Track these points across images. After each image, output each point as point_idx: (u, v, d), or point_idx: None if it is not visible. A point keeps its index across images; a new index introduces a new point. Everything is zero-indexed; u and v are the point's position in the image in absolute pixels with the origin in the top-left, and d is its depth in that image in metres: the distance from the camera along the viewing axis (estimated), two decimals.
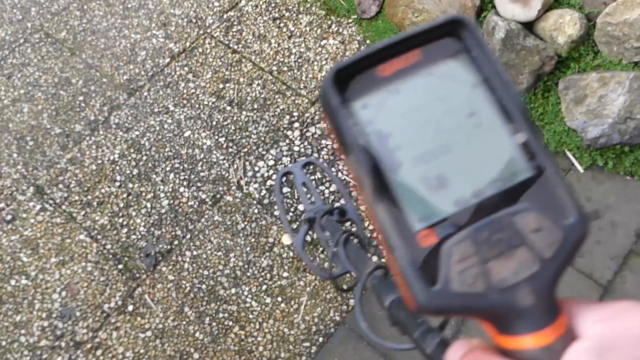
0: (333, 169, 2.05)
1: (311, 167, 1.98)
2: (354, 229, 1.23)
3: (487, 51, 0.35)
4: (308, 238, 1.96)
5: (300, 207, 1.99)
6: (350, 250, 1.06)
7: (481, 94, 0.35)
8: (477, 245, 0.31)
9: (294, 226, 1.97)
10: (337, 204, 1.80)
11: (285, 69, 2.27)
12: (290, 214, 1.99)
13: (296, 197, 2.02)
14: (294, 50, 2.31)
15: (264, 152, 2.10)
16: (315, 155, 2.08)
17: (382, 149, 0.34)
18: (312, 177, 2.08)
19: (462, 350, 0.33)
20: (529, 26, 2.04)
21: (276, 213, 1.99)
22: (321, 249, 1.93)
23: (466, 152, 0.34)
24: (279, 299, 1.86)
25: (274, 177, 2.05)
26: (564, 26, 1.96)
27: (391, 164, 0.33)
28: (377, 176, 0.33)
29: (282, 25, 2.38)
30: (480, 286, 0.31)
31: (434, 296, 0.31)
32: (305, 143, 2.11)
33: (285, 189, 2.04)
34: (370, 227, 1.73)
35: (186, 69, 2.29)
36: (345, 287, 1.22)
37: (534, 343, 0.31)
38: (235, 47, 2.34)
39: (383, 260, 1.83)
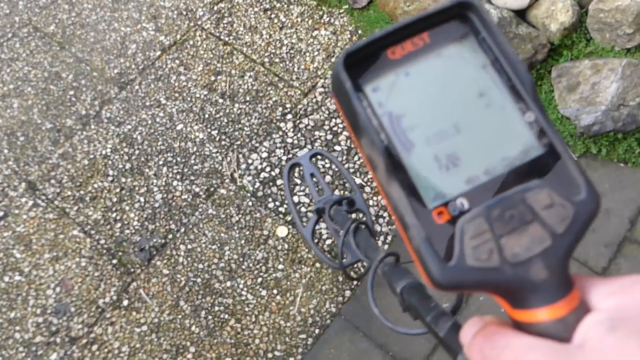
0: (340, 158, 2.04)
1: (319, 157, 1.97)
2: (361, 219, 1.23)
3: (495, 32, 0.36)
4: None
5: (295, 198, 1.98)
6: (360, 239, 1.07)
7: (490, 74, 0.36)
8: (491, 221, 0.32)
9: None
10: (345, 195, 1.80)
11: (277, 60, 2.26)
12: (284, 206, 1.98)
13: (303, 188, 2.01)
14: (285, 42, 2.30)
15: (257, 145, 2.09)
16: (309, 147, 2.07)
17: (394, 130, 0.35)
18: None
19: (476, 326, 0.34)
20: (521, 14, 2.03)
21: (270, 205, 1.98)
22: (327, 239, 1.93)
23: (477, 131, 0.35)
24: (275, 291, 1.86)
25: (268, 169, 2.04)
26: (556, 13, 1.96)
27: (403, 144, 0.34)
28: (389, 157, 0.34)
29: (273, 16, 2.36)
30: (495, 261, 0.32)
31: (450, 271, 0.32)
32: (299, 135, 2.10)
33: (278, 179, 2.03)
34: (380, 217, 1.72)
35: (177, 61, 2.28)
36: (354, 276, 1.23)
37: (548, 316, 0.32)
38: (227, 39, 2.32)
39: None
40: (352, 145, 2.06)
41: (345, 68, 0.35)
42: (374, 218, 1.94)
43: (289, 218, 1.96)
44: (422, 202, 0.34)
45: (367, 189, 1.98)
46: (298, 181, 2.02)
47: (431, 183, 0.34)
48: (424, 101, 0.35)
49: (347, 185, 1.99)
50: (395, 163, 0.34)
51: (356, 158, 2.03)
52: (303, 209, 1.97)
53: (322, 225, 1.97)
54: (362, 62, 0.36)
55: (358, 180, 1.99)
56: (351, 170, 2.01)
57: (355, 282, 1.85)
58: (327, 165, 2.04)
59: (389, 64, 0.36)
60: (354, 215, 1.69)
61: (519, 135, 0.35)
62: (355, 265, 1.90)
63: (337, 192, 1.97)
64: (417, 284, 0.79)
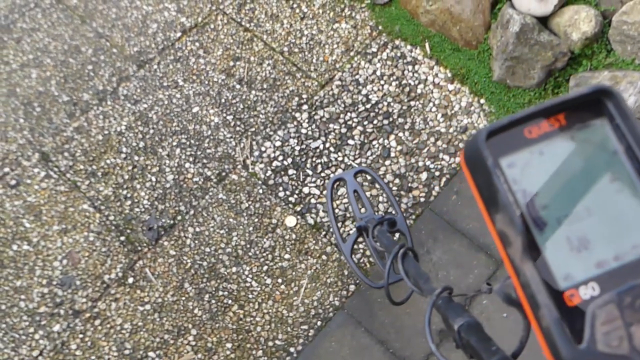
0: (353, 153, 2.05)
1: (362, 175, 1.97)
2: (404, 242, 1.23)
3: (632, 120, 0.36)
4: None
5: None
6: (408, 266, 1.06)
7: (623, 161, 0.36)
8: (622, 308, 0.33)
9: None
10: (386, 215, 1.80)
11: (296, 50, 2.26)
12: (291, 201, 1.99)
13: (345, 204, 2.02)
14: (305, 32, 2.30)
15: (271, 133, 2.10)
16: (323, 138, 2.07)
17: (528, 208, 0.35)
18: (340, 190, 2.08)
19: None
20: (543, 21, 2.03)
21: (280, 194, 1.99)
22: (362, 255, 1.94)
23: (608, 216, 0.35)
24: (279, 280, 1.87)
25: (280, 158, 2.05)
26: (579, 23, 1.96)
27: (536, 223, 0.35)
28: (525, 235, 0.35)
29: (295, 5, 2.36)
30: (624, 349, 0.33)
31: (580, 355, 0.33)
32: (313, 126, 2.10)
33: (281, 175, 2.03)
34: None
35: (197, 44, 2.28)
36: (398, 300, 1.23)
37: None
38: (247, 25, 2.32)
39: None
40: (366, 141, 2.06)
41: (487, 143, 0.36)
42: (381, 215, 1.94)
43: (298, 208, 1.97)
44: (555, 282, 0.34)
45: (378, 185, 1.99)
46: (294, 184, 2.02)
47: (563, 264, 0.35)
48: (556, 181, 0.36)
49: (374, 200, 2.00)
50: (529, 241, 0.35)
51: (369, 154, 2.04)
52: (313, 200, 1.98)
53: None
54: (500, 137, 0.37)
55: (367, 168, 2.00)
56: (363, 165, 2.02)
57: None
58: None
59: (525, 142, 0.37)
60: (399, 236, 1.68)
61: None
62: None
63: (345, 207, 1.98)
64: (476, 324, 0.78)
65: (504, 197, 0.35)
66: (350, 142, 2.07)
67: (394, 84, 2.16)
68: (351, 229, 1.92)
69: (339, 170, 2.01)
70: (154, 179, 2.03)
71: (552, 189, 0.36)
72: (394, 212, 1.78)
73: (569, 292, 0.34)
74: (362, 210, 1.70)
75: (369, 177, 1.99)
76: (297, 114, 2.13)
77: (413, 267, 1.05)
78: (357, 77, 2.19)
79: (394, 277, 1.19)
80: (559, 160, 0.37)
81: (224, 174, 2.03)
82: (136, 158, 2.06)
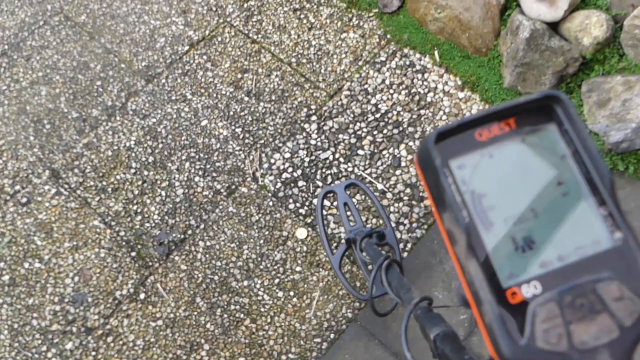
0: (362, 163, 2.03)
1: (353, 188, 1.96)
2: (390, 254, 1.22)
3: (579, 126, 0.38)
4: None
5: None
6: (392, 277, 1.06)
7: (570, 165, 0.38)
8: (562, 307, 0.34)
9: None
10: (376, 228, 1.80)
11: (304, 61, 2.25)
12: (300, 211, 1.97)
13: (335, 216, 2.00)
14: (313, 43, 2.29)
15: (280, 145, 2.09)
16: (332, 149, 2.06)
17: (476, 209, 0.37)
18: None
19: None
20: (553, 26, 2.01)
21: (291, 206, 1.98)
22: (351, 265, 1.92)
23: (553, 218, 0.37)
24: (291, 293, 1.86)
25: (290, 170, 2.04)
26: (590, 27, 1.93)
27: (483, 223, 0.37)
28: (471, 234, 0.36)
29: (302, 16, 2.35)
30: (563, 346, 0.34)
31: (519, 351, 0.34)
32: (322, 137, 2.09)
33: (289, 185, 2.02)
34: (401, 224, 1.72)
35: (205, 57, 2.28)
36: (381, 312, 1.23)
37: None
38: (255, 37, 2.32)
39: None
40: (376, 151, 2.05)
41: (436, 145, 0.38)
42: (394, 225, 1.92)
43: (309, 220, 1.95)
44: (498, 280, 0.36)
45: (389, 195, 1.97)
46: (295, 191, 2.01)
47: (507, 263, 0.36)
48: (505, 183, 0.37)
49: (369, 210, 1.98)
50: (475, 240, 0.36)
51: (379, 163, 2.02)
52: (323, 212, 1.96)
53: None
54: (451, 140, 0.38)
55: (380, 186, 1.98)
56: (374, 175, 2.00)
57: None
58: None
59: (476, 144, 0.38)
60: (388, 249, 1.68)
61: (593, 227, 0.36)
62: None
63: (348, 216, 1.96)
64: (451, 333, 0.80)
65: (450, 197, 0.36)
66: (360, 152, 2.05)
67: (403, 92, 2.15)
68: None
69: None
70: (163, 193, 2.03)
71: (500, 191, 0.37)
72: (382, 224, 1.76)
73: (512, 290, 0.35)
74: (352, 223, 1.69)
75: (376, 185, 1.97)
76: (306, 125, 2.12)
77: (396, 278, 1.05)
78: (366, 86, 2.17)
79: (381, 290, 1.19)
80: (508, 163, 0.38)
81: (233, 187, 2.03)
82: (146, 173, 2.06)
